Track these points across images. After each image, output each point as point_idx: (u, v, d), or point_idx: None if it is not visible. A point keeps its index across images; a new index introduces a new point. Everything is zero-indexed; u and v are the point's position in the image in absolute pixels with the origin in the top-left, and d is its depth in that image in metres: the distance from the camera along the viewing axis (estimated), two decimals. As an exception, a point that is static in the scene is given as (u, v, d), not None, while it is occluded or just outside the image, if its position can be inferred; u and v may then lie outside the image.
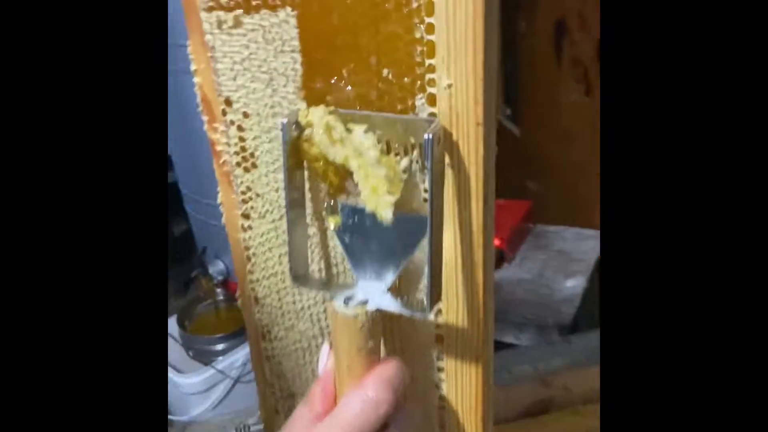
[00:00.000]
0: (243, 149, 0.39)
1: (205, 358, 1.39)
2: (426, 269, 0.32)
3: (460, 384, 0.39)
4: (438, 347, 0.39)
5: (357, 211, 0.35)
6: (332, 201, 0.36)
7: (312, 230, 0.39)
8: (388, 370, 0.33)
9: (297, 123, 0.35)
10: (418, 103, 0.33)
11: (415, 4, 0.31)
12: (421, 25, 0.31)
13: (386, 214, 0.32)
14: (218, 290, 1.52)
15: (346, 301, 0.34)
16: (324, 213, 0.38)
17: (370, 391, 0.33)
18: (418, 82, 0.32)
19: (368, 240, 0.35)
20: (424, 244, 0.32)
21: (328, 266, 0.40)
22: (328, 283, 0.40)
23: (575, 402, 0.72)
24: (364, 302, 0.34)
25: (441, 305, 0.37)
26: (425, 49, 0.31)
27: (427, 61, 0.32)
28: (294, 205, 0.36)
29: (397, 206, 0.33)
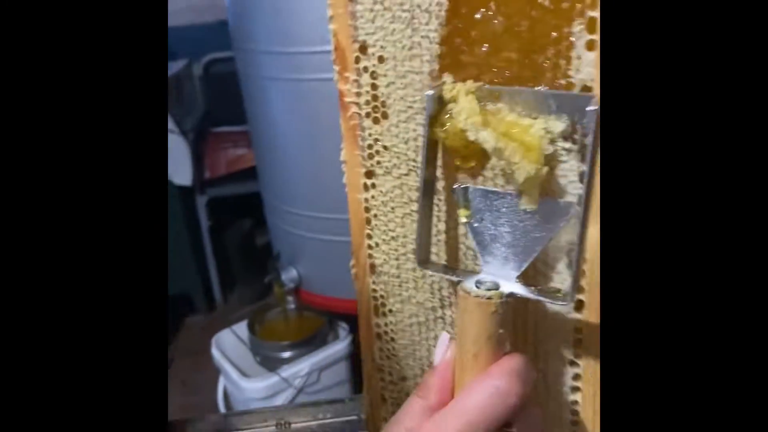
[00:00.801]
0: (375, 98, 0.38)
1: (271, 364, 1.40)
2: (574, 254, 0.31)
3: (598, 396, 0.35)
4: (575, 349, 0.36)
5: (490, 194, 0.34)
6: (465, 188, 0.35)
7: (437, 211, 0.38)
8: (517, 362, 0.30)
9: (440, 97, 0.34)
10: (575, 29, 0.31)
11: None
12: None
13: (530, 199, 0.31)
14: (289, 298, 1.52)
15: (477, 284, 0.32)
16: (455, 200, 0.36)
17: (499, 380, 0.29)
18: (578, 5, 0.31)
19: (500, 224, 0.33)
20: (565, 230, 0.31)
21: (451, 250, 0.38)
22: (453, 267, 0.38)
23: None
24: (496, 286, 0.31)
25: (582, 297, 0.34)
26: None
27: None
28: (427, 186, 0.35)
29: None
